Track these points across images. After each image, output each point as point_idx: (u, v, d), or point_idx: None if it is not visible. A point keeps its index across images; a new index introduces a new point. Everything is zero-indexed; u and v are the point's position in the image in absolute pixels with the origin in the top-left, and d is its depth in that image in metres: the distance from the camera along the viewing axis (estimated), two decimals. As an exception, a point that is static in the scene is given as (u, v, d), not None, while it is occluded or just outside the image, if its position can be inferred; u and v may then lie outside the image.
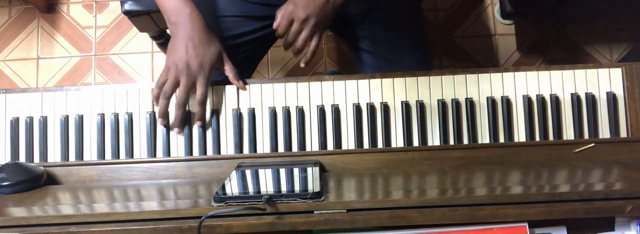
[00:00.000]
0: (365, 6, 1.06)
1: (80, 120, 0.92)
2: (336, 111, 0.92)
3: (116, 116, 0.92)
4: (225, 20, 1.05)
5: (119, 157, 0.91)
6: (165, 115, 0.90)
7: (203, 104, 0.89)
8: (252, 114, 0.92)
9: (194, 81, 0.88)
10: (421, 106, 0.92)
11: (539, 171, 0.83)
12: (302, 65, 0.94)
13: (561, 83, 0.93)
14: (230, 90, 0.93)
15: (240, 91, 0.93)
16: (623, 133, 0.92)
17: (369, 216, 0.65)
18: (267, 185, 0.78)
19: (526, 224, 0.65)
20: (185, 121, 0.91)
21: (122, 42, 1.88)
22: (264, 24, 1.04)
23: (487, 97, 0.92)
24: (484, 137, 0.92)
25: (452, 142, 0.91)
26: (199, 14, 0.91)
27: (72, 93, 0.93)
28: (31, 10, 1.92)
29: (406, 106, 0.92)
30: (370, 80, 0.93)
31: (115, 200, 0.78)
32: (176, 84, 0.88)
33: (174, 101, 0.90)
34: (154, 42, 1.64)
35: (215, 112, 0.92)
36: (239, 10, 1.05)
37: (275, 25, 0.92)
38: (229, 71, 0.93)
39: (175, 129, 0.90)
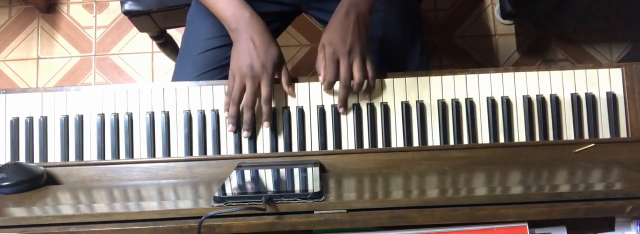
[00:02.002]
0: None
1: (80, 120, 0.92)
2: (336, 111, 0.92)
3: (116, 116, 0.92)
4: None
5: (119, 158, 0.91)
6: (235, 122, 0.90)
7: (269, 103, 0.90)
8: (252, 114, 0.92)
9: (259, 83, 0.89)
10: (421, 106, 0.92)
11: (539, 171, 0.83)
12: (340, 111, 0.91)
13: (561, 83, 0.93)
14: (230, 90, 0.93)
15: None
16: (623, 133, 0.92)
17: (369, 216, 0.65)
18: (267, 185, 0.78)
19: (526, 224, 0.65)
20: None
21: (122, 42, 1.88)
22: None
23: (487, 97, 0.92)
24: (484, 137, 0.92)
25: (452, 142, 0.91)
26: (258, 17, 0.92)
27: (72, 93, 0.93)
28: (31, 10, 1.92)
29: (406, 106, 0.92)
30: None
31: (115, 200, 0.78)
32: (243, 89, 0.89)
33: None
34: (154, 42, 1.64)
35: (215, 112, 0.92)
36: None
37: (321, 78, 0.91)
38: (284, 75, 0.93)
39: (245, 132, 0.91)
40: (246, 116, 0.90)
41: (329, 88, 0.91)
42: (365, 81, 0.91)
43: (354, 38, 0.90)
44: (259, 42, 0.90)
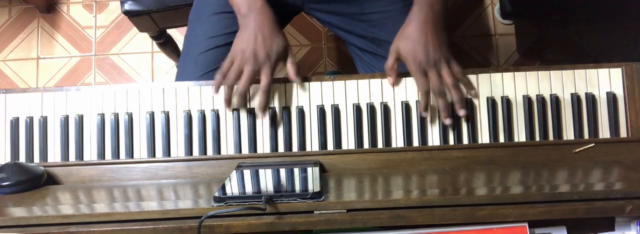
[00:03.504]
0: (366, 6, 1.06)
1: (80, 120, 0.92)
2: (336, 111, 0.92)
3: (116, 116, 0.92)
4: (227, 17, 1.05)
5: (119, 158, 0.91)
6: (230, 101, 0.91)
7: (267, 92, 0.89)
8: (252, 114, 0.92)
9: (258, 70, 0.89)
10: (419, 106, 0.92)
11: (539, 171, 0.83)
12: (461, 114, 0.90)
13: (561, 83, 0.93)
14: (230, 90, 0.93)
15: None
16: (623, 133, 0.92)
17: (369, 216, 0.65)
18: (267, 185, 0.78)
19: (526, 224, 0.65)
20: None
21: (122, 42, 1.89)
22: None
23: (487, 97, 0.92)
24: (484, 137, 0.92)
25: (452, 142, 0.91)
26: (269, 6, 0.93)
27: (72, 93, 0.93)
28: (31, 10, 1.92)
29: (406, 106, 0.92)
30: (370, 80, 0.93)
31: (115, 200, 0.78)
32: (240, 72, 0.89)
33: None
34: (154, 42, 1.64)
35: (215, 112, 0.92)
36: None
37: (391, 80, 0.91)
38: (290, 65, 0.93)
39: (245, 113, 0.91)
40: (238, 102, 0.90)
41: (426, 98, 0.90)
42: (457, 84, 0.90)
43: (436, 48, 0.90)
44: (268, 31, 0.91)
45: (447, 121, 0.90)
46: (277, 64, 0.91)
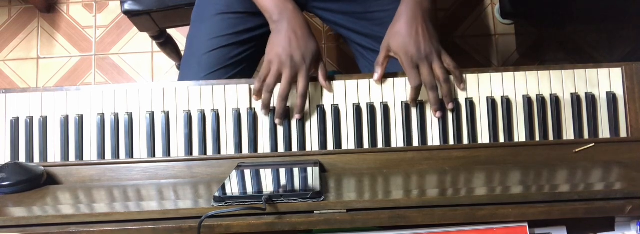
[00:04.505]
0: (370, 5, 1.06)
1: (80, 120, 0.92)
2: (336, 111, 0.92)
3: (116, 116, 0.92)
4: (230, 17, 1.05)
5: (118, 157, 0.91)
6: (268, 107, 0.91)
7: (304, 96, 0.90)
8: (252, 113, 0.92)
9: (296, 74, 0.90)
10: (421, 106, 0.92)
11: (539, 171, 0.83)
12: (449, 107, 0.91)
13: (561, 83, 0.93)
14: (230, 90, 0.93)
15: (240, 91, 0.93)
16: (623, 133, 0.92)
17: (369, 216, 0.65)
18: (267, 185, 0.78)
19: (526, 224, 0.65)
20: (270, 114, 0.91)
21: (122, 42, 1.89)
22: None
23: (487, 97, 0.92)
24: (484, 137, 0.92)
25: (452, 142, 0.91)
26: (299, 10, 0.94)
27: (72, 93, 0.93)
28: (31, 10, 1.92)
29: (406, 106, 0.92)
30: (371, 80, 0.93)
31: (115, 200, 0.78)
32: (278, 77, 0.90)
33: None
34: (154, 42, 1.64)
35: (215, 112, 0.92)
36: (243, 6, 1.05)
37: (377, 76, 0.92)
38: (321, 70, 0.93)
39: (277, 120, 0.91)
40: (279, 106, 0.90)
41: (417, 92, 0.90)
42: (448, 78, 0.91)
43: (426, 41, 0.90)
44: (301, 34, 0.91)
45: (438, 114, 0.91)
46: (311, 67, 0.92)
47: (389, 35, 0.93)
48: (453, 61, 0.92)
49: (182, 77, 1.06)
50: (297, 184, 0.75)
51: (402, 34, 0.91)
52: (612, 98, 0.92)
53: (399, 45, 0.91)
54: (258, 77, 0.91)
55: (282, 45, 0.90)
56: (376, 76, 0.93)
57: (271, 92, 0.90)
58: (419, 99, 0.92)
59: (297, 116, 0.91)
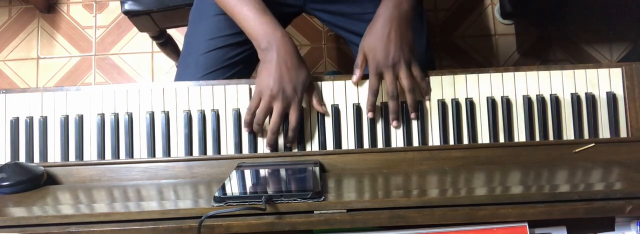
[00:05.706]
0: (367, 6, 1.06)
1: (80, 120, 0.92)
2: (336, 111, 0.92)
3: (116, 116, 0.92)
4: (228, 18, 1.05)
5: (118, 157, 0.91)
6: (260, 131, 0.90)
7: (296, 130, 0.89)
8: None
9: (288, 106, 0.88)
10: (421, 106, 0.92)
11: (539, 171, 0.83)
12: (412, 116, 0.91)
13: (561, 83, 0.93)
14: (230, 89, 0.93)
15: (240, 91, 0.93)
16: (623, 133, 0.92)
17: (369, 216, 0.65)
18: (267, 185, 0.78)
19: (526, 224, 0.65)
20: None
21: (122, 42, 1.89)
22: None
23: (487, 97, 0.92)
24: (484, 137, 0.92)
25: (452, 142, 0.91)
26: (289, 37, 0.91)
27: (72, 93, 0.93)
28: (31, 10, 1.92)
29: (406, 106, 0.92)
30: (370, 80, 0.93)
31: (115, 200, 0.78)
32: (269, 110, 0.88)
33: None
34: (154, 42, 1.64)
35: (215, 112, 0.92)
36: None
37: (355, 78, 0.91)
38: (314, 95, 0.91)
39: (268, 148, 0.90)
40: (270, 139, 0.89)
41: (373, 98, 0.90)
42: (414, 88, 0.90)
43: (396, 48, 0.88)
44: (292, 64, 0.88)
45: (394, 124, 0.90)
46: (303, 97, 0.90)
47: (364, 36, 0.92)
48: (421, 71, 0.91)
49: (179, 77, 1.06)
50: (297, 184, 0.75)
51: (373, 36, 0.90)
52: (612, 98, 0.92)
53: (369, 48, 0.90)
54: (248, 108, 0.89)
55: (273, 76, 0.87)
56: (354, 77, 0.92)
57: (262, 125, 0.89)
58: (420, 99, 0.92)
59: (290, 144, 0.91)
